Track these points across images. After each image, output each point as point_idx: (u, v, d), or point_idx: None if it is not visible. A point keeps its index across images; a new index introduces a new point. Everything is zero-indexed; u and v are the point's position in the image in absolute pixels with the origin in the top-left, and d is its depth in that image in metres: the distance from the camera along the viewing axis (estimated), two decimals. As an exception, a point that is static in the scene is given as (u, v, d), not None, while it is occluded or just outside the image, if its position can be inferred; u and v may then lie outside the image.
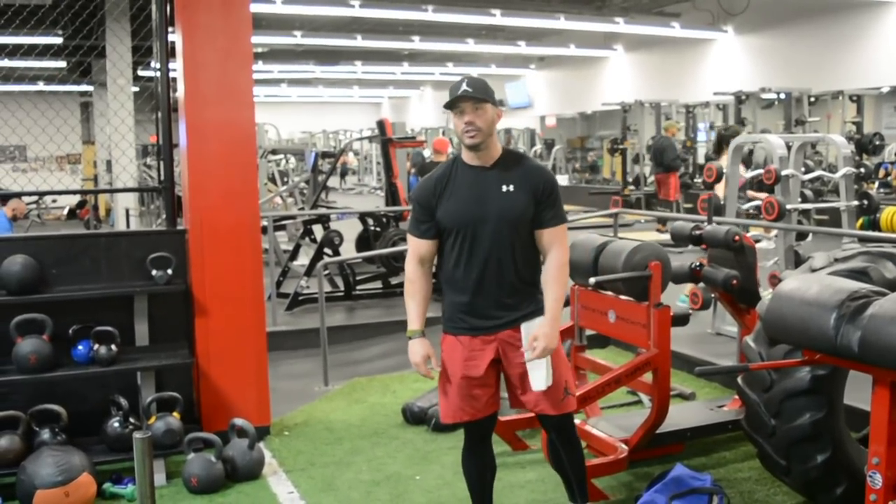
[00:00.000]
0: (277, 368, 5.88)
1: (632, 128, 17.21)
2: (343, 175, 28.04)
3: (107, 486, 4.18)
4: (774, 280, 5.80)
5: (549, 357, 3.15)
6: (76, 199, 19.88)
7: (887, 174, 13.25)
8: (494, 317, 3.17)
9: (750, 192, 6.93)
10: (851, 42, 15.11)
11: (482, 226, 3.13)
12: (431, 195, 3.20)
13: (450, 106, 3.14)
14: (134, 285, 4.64)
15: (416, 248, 3.26)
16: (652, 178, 14.30)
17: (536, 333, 3.09)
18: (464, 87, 3.10)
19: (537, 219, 3.18)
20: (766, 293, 4.33)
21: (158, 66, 4.85)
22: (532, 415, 3.96)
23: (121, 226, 12.96)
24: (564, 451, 3.39)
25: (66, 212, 19.96)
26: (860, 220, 6.80)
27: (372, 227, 9.39)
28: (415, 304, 3.23)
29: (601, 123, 23.67)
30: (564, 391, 3.24)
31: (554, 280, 3.18)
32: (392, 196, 9.82)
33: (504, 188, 3.14)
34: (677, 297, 6.40)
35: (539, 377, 3.15)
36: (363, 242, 9.45)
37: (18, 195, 10.76)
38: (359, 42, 19.37)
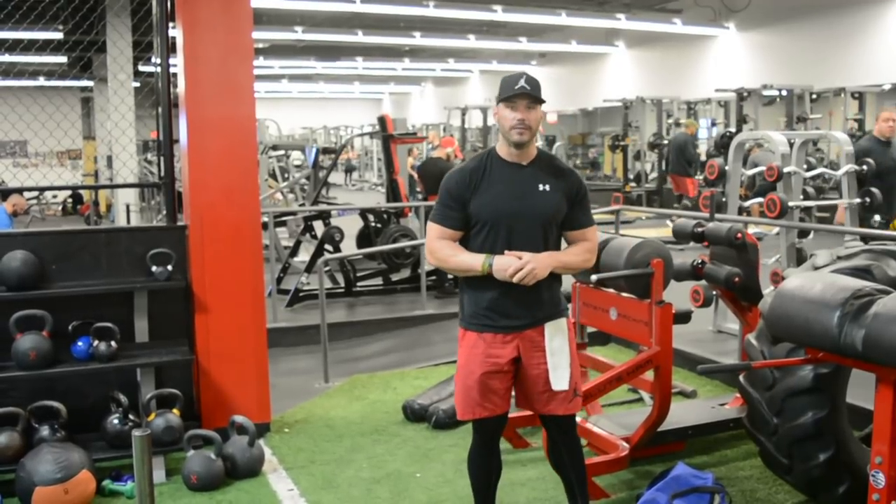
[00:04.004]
0: (277, 365, 5.87)
1: (633, 124, 17.21)
2: (349, 171, 28.00)
3: (106, 482, 4.17)
4: (777, 278, 5.78)
5: (571, 357, 3.19)
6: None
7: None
8: (520, 315, 3.14)
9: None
10: (853, 39, 15.07)
11: (517, 222, 3.11)
12: (466, 187, 3.14)
13: (506, 99, 3.11)
14: (134, 281, 4.63)
15: (440, 236, 3.17)
16: (654, 175, 14.26)
17: (529, 258, 3.03)
18: (522, 82, 3.08)
19: (569, 220, 3.21)
20: (768, 291, 4.32)
21: (159, 61, 4.84)
22: (533, 413, 3.95)
23: (121, 221, 12.96)
24: (566, 452, 3.36)
25: (60, 208, 19.93)
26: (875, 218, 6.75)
27: (373, 224, 9.37)
28: (463, 252, 3.15)
29: (602, 120, 23.64)
30: (574, 392, 3.24)
31: (576, 247, 3.23)
32: (393, 192, 9.80)
33: (541, 187, 3.14)
34: (678, 294, 6.38)
35: (561, 376, 3.16)
36: (364, 239, 9.43)
37: (19, 191, 10.74)
38: (360, 38, 19.33)
